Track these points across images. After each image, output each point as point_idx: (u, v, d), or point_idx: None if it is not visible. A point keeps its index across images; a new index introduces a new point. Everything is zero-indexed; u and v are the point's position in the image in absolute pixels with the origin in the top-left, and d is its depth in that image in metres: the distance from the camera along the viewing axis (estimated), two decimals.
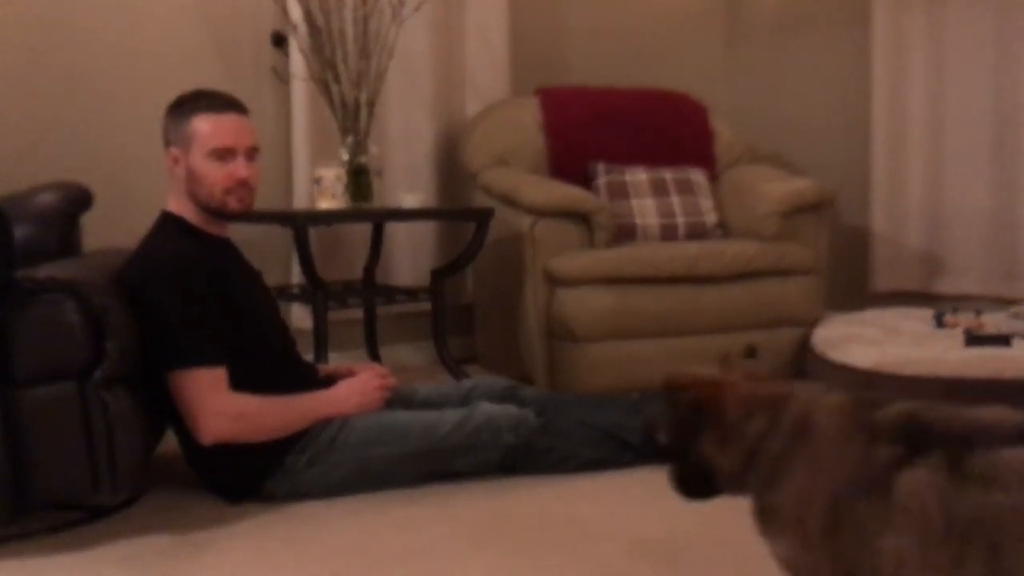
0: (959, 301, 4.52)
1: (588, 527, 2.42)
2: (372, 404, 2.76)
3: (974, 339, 3.64)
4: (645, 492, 2.62)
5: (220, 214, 2.72)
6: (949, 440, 1.38)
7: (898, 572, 1.38)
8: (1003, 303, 4.43)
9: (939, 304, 4.52)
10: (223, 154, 2.66)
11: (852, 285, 4.95)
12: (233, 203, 2.69)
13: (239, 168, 2.68)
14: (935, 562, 1.35)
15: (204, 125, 2.66)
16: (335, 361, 3.48)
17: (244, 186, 2.70)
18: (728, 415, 1.60)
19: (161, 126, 2.74)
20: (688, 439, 1.64)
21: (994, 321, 3.96)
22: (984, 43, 4.51)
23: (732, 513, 2.46)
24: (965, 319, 3.98)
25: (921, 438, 1.40)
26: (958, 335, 3.77)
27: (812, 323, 4.13)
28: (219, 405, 2.53)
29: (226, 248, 2.83)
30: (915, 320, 4.14)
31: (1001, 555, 1.30)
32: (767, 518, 1.57)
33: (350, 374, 2.98)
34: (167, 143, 2.71)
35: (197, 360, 2.53)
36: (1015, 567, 1.29)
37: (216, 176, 2.66)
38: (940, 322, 4.02)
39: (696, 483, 1.69)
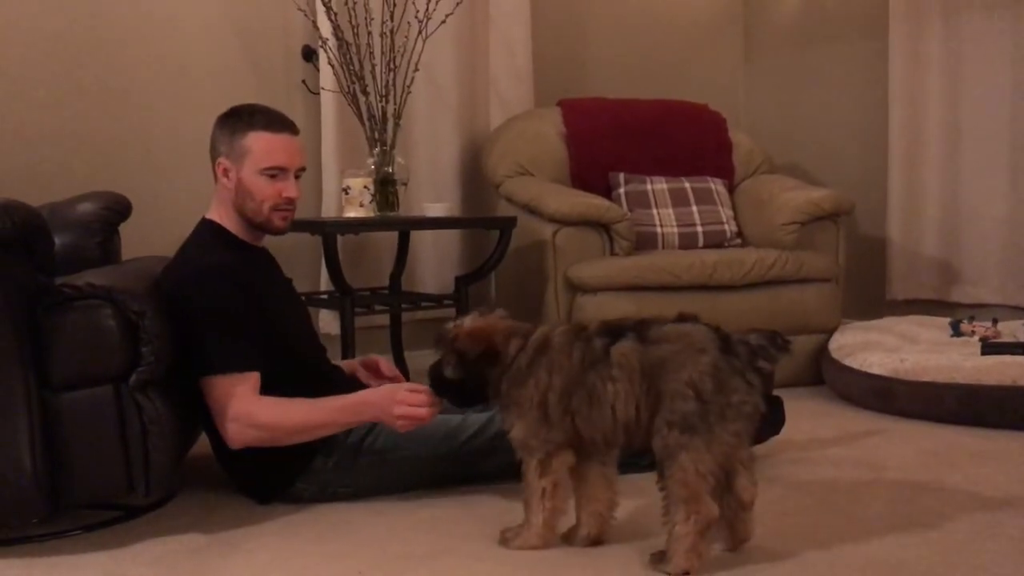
0: (976, 309, 4.52)
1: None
2: (417, 419, 2.56)
3: (991, 347, 3.65)
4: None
5: (263, 229, 2.78)
6: (635, 327, 2.24)
7: (616, 404, 2.19)
8: (1020, 311, 4.43)
9: (956, 312, 4.52)
10: (275, 172, 2.71)
11: (869, 293, 4.96)
12: (277, 220, 2.76)
13: (288, 187, 2.74)
14: (636, 392, 2.18)
15: (260, 143, 2.70)
16: None
17: (290, 204, 2.77)
18: (497, 342, 2.33)
19: (211, 135, 2.76)
20: (472, 365, 2.34)
21: (1011, 329, 3.97)
22: (1000, 55, 4.50)
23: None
24: (982, 327, 3.99)
25: (618, 330, 2.24)
26: (975, 343, 3.79)
27: (830, 331, 4.17)
28: (242, 413, 2.54)
29: (262, 258, 2.88)
30: (932, 328, 4.15)
31: (663, 381, 2.15)
32: (512, 408, 2.31)
33: (369, 367, 3.03)
34: (217, 153, 2.74)
35: (223, 367, 2.56)
36: (666, 386, 2.14)
37: (266, 193, 2.71)
38: (957, 330, 4.04)
39: (475, 395, 2.41)
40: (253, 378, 2.58)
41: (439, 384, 2.44)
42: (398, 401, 2.52)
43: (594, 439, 2.27)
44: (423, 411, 2.51)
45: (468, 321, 2.40)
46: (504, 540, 2.38)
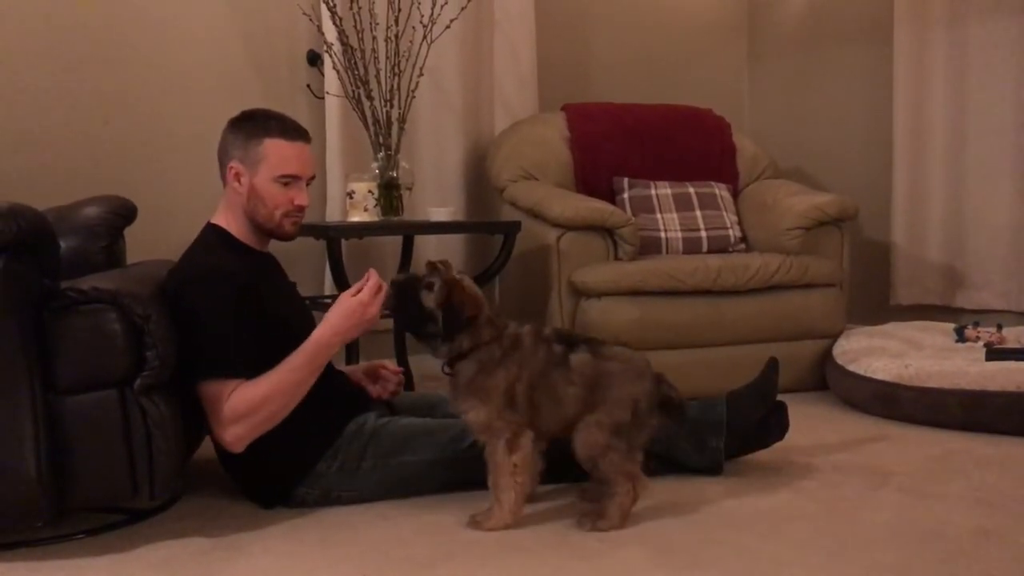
0: (980, 315, 4.52)
1: (610, 533, 2.46)
2: (370, 316, 2.68)
3: (995, 353, 3.65)
4: (669, 499, 2.68)
5: (273, 234, 2.80)
6: (586, 341, 2.59)
7: (570, 405, 2.49)
8: None
9: (960, 318, 4.53)
10: (289, 180, 2.73)
11: (874, 298, 4.96)
12: (288, 226, 2.78)
13: (300, 195, 2.76)
14: (584, 397, 2.48)
15: (277, 150, 2.71)
16: None
17: (301, 212, 2.79)
18: (481, 320, 2.53)
19: (221, 139, 2.77)
20: (453, 316, 2.51)
21: (1015, 335, 3.97)
22: (1005, 59, 4.50)
23: (751, 523, 2.52)
24: (986, 333, 3.99)
25: (572, 341, 2.58)
26: (979, 349, 3.79)
27: (834, 336, 4.17)
28: (227, 414, 2.54)
29: (266, 263, 2.88)
30: (936, 333, 4.15)
31: (608, 391, 2.48)
32: (477, 393, 2.50)
33: (374, 372, 3.04)
34: (229, 157, 2.74)
35: (216, 372, 2.56)
36: (610, 395, 2.48)
37: (279, 200, 2.73)
38: (961, 335, 4.04)
39: (427, 334, 2.57)
40: (235, 385, 2.57)
41: (404, 297, 2.58)
42: (364, 298, 2.65)
43: (541, 430, 2.54)
44: (370, 283, 2.67)
45: (468, 280, 2.60)
46: (476, 523, 2.51)
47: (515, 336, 2.56)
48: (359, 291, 2.68)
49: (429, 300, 2.54)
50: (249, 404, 2.55)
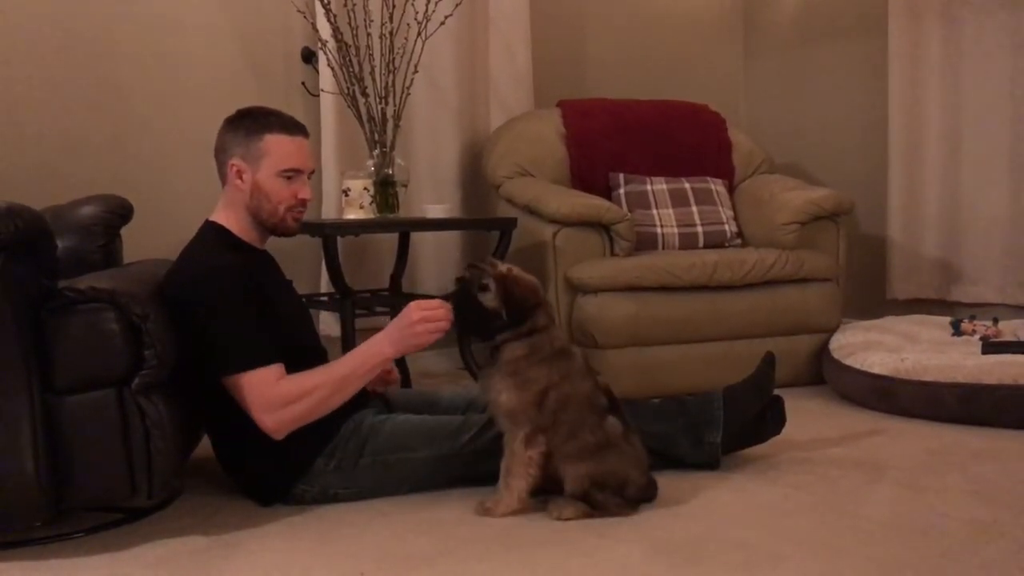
0: (976, 308, 4.53)
1: (609, 529, 2.46)
2: (418, 331, 2.62)
3: (991, 346, 3.66)
4: (665, 495, 2.67)
5: (276, 230, 2.81)
6: (619, 414, 2.59)
7: (583, 448, 2.51)
8: (1020, 310, 4.44)
9: (956, 311, 4.54)
10: (291, 174, 2.75)
11: (870, 293, 4.97)
12: (291, 221, 2.80)
13: (303, 189, 2.78)
14: (593, 453, 2.51)
15: (278, 145, 2.73)
16: None
17: (303, 206, 2.81)
18: (540, 305, 2.57)
19: (219, 138, 2.77)
20: (521, 311, 2.53)
21: (1011, 328, 3.98)
22: (1000, 53, 4.50)
23: (749, 517, 2.52)
24: (982, 326, 4.00)
25: (613, 403, 2.59)
26: (975, 342, 3.80)
27: (830, 330, 4.18)
28: (273, 399, 2.55)
29: (265, 260, 2.89)
30: (932, 327, 4.16)
31: (612, 457, 2.54)
32: (516, 377, 2.52)
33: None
34: (229, 155, 2.74)
35: (248, 364, 2.56)
36: (609, 458, 2.54)
37: (283, 195, 2.75)
38: (957, 329, 4.05)
39: (490, 328, 2.56)
40: (278, 369, 2.59)
41: (464, 305, 2.57)
42: (414, 316, 2.59)
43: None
44: (440, 312, 2.59)
45: (518, 270, 2.59)
46: (485, 510, 2.56)
47: (564, 347, 2.60)
48: (432, 310, 2.63)
49: (489, 300, 2.54)
50: (299, 390, 2.57)
